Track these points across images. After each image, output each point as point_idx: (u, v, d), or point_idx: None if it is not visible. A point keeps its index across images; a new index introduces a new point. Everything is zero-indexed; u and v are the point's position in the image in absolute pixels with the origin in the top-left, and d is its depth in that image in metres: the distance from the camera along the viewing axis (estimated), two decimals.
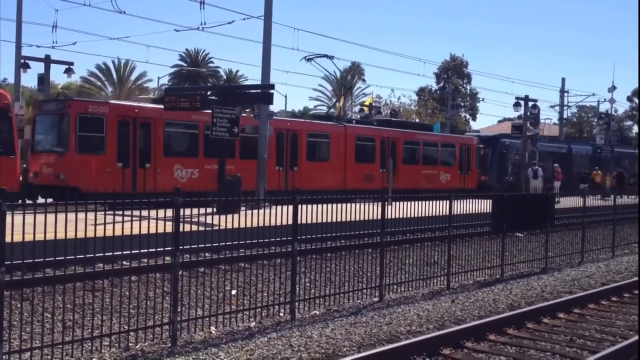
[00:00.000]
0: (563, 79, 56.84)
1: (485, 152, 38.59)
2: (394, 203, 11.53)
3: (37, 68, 30.75)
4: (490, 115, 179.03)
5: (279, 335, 8.17)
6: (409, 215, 11.54)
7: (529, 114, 37.80)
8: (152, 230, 8.59)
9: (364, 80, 69.19)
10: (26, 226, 7.05)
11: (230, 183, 19.40)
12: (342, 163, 29.41)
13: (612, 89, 50.13)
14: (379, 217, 10.69)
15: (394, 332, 8.57)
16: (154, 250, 9.40)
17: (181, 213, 7.79)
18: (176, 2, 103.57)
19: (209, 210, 9.68)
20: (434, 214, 12.12)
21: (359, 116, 39.61)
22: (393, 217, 11.30)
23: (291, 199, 9.22)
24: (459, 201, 12.79)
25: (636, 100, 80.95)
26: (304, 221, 9.47)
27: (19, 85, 30.30)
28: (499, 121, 78.88)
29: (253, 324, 8.70)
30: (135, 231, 9.25)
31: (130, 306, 8.65)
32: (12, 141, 18.93)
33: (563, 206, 17.14)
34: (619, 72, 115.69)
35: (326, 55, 30.21)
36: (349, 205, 10.35)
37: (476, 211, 13.71)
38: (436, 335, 7.94)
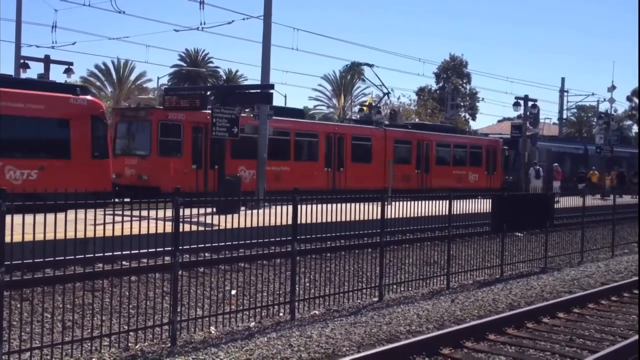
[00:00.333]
0: (563, 79, 57.13)
1: (508, 153, 39.63)
2: (393, 203, 11.53)
3: (37, 68, 30.77)
4: (490, 115, 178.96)
5: (278, 335, 8.17)
6: (408, 215, 11.54)
7: (528, 113, 37.80)
8: (152, 231, 8.60)
9: (363, 80, 69.14)
10: (26, 226, 7.05)
11: (230, 183, 19.42)
12: (381, 164, 30.84)
13: (612, 88, 50.09)
14: (379, 217, 10.70)
15: (394, 331, 8.57)
16: (154, 250, 9.41)
17: (181, 213, 7.79)
18: (176, 2, 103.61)
19: (209, 210, 9.70)
20: (433, 214, 12.13)
21: (358, 116, 39.67)
22: (393, 217, 11.30)
23: (291, 199, 9.23)
24: (458, 201, 12.80)
25: (636, 99, 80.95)
26: (303, 221, 9.47)
27: None
28: (499, 121, 78.89)
29: (253, 324, 8.70)
30: (135, 231, 9.26)
31: (130, 306, 8.65)
32: (105, 146, 20.90)
33: (563, 206, 17.15)
34: (618, 71, 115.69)
35: (367, 64, 32.62)
36: (349, 205, 10.36)
37: (476, 211, 13.71)
38: (436, 335, 7.95)
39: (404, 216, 11.45)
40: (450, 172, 34.82)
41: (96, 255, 7.38)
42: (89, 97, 21.25)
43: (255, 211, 9.59)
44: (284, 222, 9.37)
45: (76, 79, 46.09)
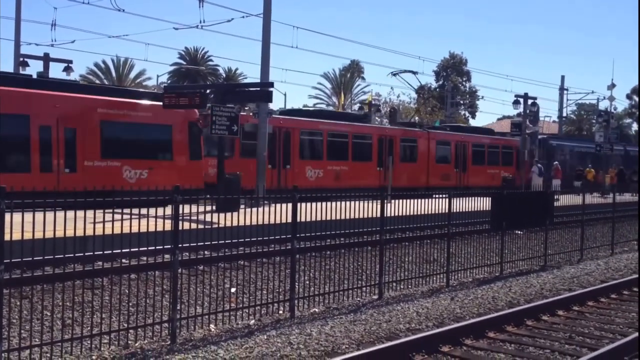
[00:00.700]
0: (562, 77, 57.06)
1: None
2: (393, 201, 11.54)
3: (36, 66, 30.74)
4: (490, 113, 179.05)
5: (278, 332, 8.17)
6: (408, 213, 11.54)
7: (528, 111, 37.78)
8: (152, 229, 8.60)
9: (363, 78, 69.19)
10: (26, 225, 7.05)
11: (230, 181, 19.41)
12: (425, 164, 33.96)
13: (612, 86, 50.07)
14: (379, 215, 10.69)
15: (393, 329, 8.57)
16: (154, 248, 9.42)
17: (180, 211, 7.79)
18: (175, 0, 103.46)
19: (209, 208, 9.71)
20: (433, 212, 12.13)
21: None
22: (392, 215, 11.30)
23: (291, 197, 9.23)
24: (458, 199, 12.81)
25: (635, 97, 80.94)
26: (303, 219, 9.47)
27: None
28: (499, 119, 78.84)
29: (252, 321, 8.71)
30: (135, 229, 9.26)
31: (130, 304, 8.65)
32: (199, 149, 23.45)
33: (562, 204, 17.15)
34: (618, 69, 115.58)
35: (411, 71, 35.06)
36: (348, 203, 10.36)
37: (476, 209, 13.71)
38: (435, 333, 7.95)
39: (404, 214, 11.45)
40: (485, 170, 37.20)
41: (96, 253, 7.38)
42: None
43: (254, 209, 9.59)
44: (283, 220, 9.37)
45: (76, 77, 46.03)
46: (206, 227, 9.02)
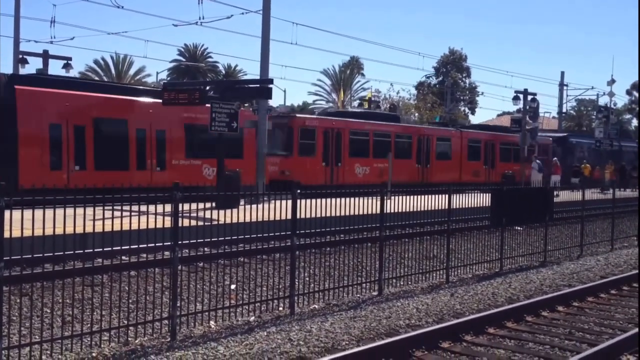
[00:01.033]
0: (562, 73, 57.01)
1: (555, 150, 43.33)
2: (393, 197, 11.54)
3: (36, 63, 30.78)
4: (490, 109, 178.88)
5: (278, 329, 8.18)
6: (408, 210, 11.54)
7: (528, 107, 37.75)
8: (152, 225, 8.60)
9: (363, 74, 69.11)
10: (25, 222, 7.05)
11: (230, 178, 19.39)
12: (458, 161, 36.35)
13: (612, 82, 50.07)
14: (378, 211, 10.69)
15: (393, 325, 8.58)
16: (153, 245, 9.40)
17: (180, 208, 7.79)
18: None
19: (208, 205, 9.72)
20: (433, 208, 12.13)
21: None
22: (392, 211, 11.30)
23: (290, 194, 9.22)
24: (458, 195, 12.81)
25: (635, 93, 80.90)
26: (303, 216, 9.47)
27: None
28: (498, 115, 78.76)
29: (252, 318, 8.71)
30: (135, 226, 9.26)
31: (130, 301, 8.65)
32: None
33: (562, 200, 17.15)
34: (618, 65, 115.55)
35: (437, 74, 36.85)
36: (348, 199, 10.36)
37: (475, 205, 13.71)
38: (435, 329, 7.96)
39: (404, 210, 11.45)
40: (512, 167, 38.41)
41: (96, 250, 7.38)
42: (249, 111, 26.03)
43: (254, 206, 9.59)
44: (283, 217, 9.37)
45: (75, 74, 46.00)
46: (206, 224, 9.02)
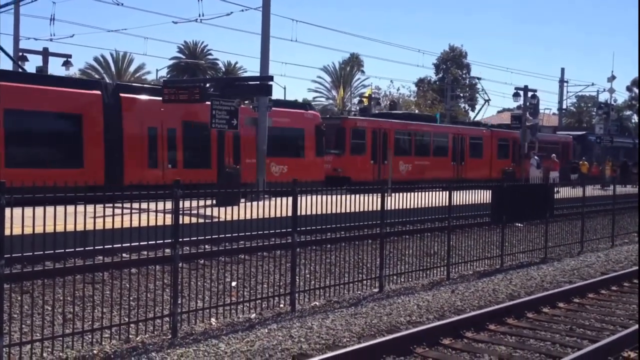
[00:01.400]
0: (562, 69, 56.78)
1: (575, 147, 46.58)
2: (393, 194, 11.54)
3: (35, 61, 30.77)
4: (490, 106, 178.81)
5: (279, 326, 8.18)
6: (408, 206, 11.54)
7: (528, 104, 37.74)
8: (152, 223, 8.59)
9: (363, 71, 69.08)
10: (26, 219, 7.05)
11: (230, 175, 19.38)
12: (489, 159, 38.74)
13: (612, 78, 49.99)
14: (379, 208, 10.69)
15: (394, 322, 8.58)
16: (154, 242, 9.39)
17: (180, 205, 7.78)
18: None
19: (209, 202, 9.70)
20: (433, 205, 12.12)
21: (358, 108, 39.91)
22: (393, 208, 11.30)
23: (290, 191, 9.22)
24: (458, 192, 12.80)
25: (635, 89, 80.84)
26: (303, 213, 9.47)
27: None
28: (499, 112, 78.78)
29: (253, 315, 8.71)
30: (135, 223, 9.25)
31: (131, 298, 8.65)
32: (322, 147, 28.59)
33: (562, 196, 17.14)
34: (618, 62, 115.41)
35: (477, 77, 41.07)
36: (349, 196, 10.36)
37: (476, 202, 13.71)
38: (436, 326, 7.96)
39: (404, 207, 11.45)
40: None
41: (96, 247, 7.38)
42: (313, 112, 29.56)
43: (255, 203, 9.59)
44: (284, 214, 9.36)
45: (75, 72, 46.01)
46: (206, 221, 9.02)
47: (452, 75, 67.49)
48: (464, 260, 12.64)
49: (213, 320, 8.31)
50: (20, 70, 25.48)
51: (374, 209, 10.78)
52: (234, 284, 9.60)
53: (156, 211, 8.11)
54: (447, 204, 12.21)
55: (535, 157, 34.23)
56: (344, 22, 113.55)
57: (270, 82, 21.10)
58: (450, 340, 7.72)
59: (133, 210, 9.13)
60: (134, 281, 9.00)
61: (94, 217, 7.33)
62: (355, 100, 63.18)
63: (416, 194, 11.62)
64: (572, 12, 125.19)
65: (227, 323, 8.33)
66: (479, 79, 52.43)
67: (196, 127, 23.50)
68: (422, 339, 7.50)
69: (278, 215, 9.36)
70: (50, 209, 6.85)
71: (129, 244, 9.79)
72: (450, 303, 9.82)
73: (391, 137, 32.87)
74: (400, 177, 30.62)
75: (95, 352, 7.03)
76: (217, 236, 8.81)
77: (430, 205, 12.04)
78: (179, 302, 7.86)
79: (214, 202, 12.01)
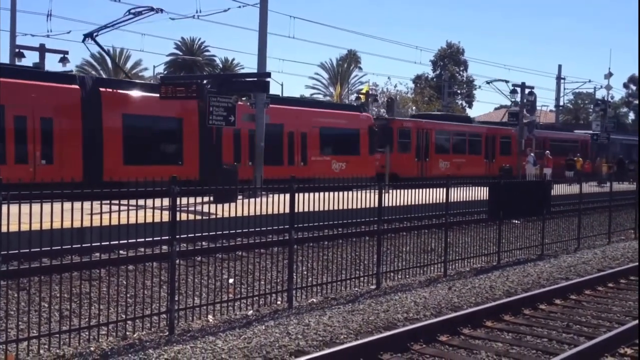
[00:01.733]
0: (559, 66, 56.38)
1: (592, 145, 47.62)
2: (391, 191, 11.54)
3: (32, 57, 30.68)
4: (487, 103, 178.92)
5: (276, 323, 8.18)
6: (405, 203, 11.54)
7: (525, 100, 37.75)
8: (150, 220, 8.58)
9: (360, 68, 69.01)
10: (23, 216, 7.04)
11: (227, 172, 19.37)
12: (517, 157, 38.66)
13: (609, 75, 50.03)
14: (376, 205, 10.69)
15: (391, 319, 8.59)
16: (152, 239, 9.40)
17: (178, 202, 7.77)
18: None
19: (206, 199, 9.70)
20: (430, 202, 12.13)
21: (355, 104, 39.93)
22: (390, 205, 11.30)
23: (288, 188, 9.22)
24: (455, 188, 12.81)
25: (632, 86, 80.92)
26: (301, 210, 9.47)
27: None
28: (496, 109, 78.71)
29: (251, 312, 8.71)
30: (133, 220, 9.24)
31: (128, 295, 8.64)
32: (374, 146, 30.79)
33: (559, 193, 17.16)
34: (615, 58, 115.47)
35: (503, 80, 41.14)
36: (346, 193, 10.37)
37: (473, 198, 13.71)
38: (433, 322, 7.96)
39: (402, 204, 11.45)
40: (559, 162, 40.96)
41: (93, 244, 7.37)
42: (366, 114, 32.25)
43: (252, 200, 9.58)
44: (281, 211, 9.36)
45: (72, 68, 45.83)
46: (204, 218, 9.01)
47: (450, 72, 67.48)
48: (461, 257, 12.65)
49: (210, 317, 8.31)
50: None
51: (372, 205, 10.78)
52: (231, 280, 9.60)
53: (153, 208, 8.11)
54: (444, 201, 12.21)
55: (531, 154, 34.46)
56: (341, 18, 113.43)
57: (268, 79, 21.08)
58: (447, 337, 7.73)
59: (130, 207, 9.12)
60: (131, 278, 9.00)
61: (91, 214, 7.32)
62: (353, 97, 63.15)
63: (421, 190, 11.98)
64: (569, 8, 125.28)
65: (224, 320, 8.33)
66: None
67: (269, 128, 24.26)
68: (419, 335, 7.51)
69: (276, 212, 9.36)
70: (47, 206, 6.84)
71: (126, 241, 9.78)
72: (447, 300, 9.83)
73: (432, 136, 35.54)
74: (441, 173, 32.48)
75: (92, 349, 7.03)
76: (214, 233, 8.81)
77: (427, 202, 12.04)
78: (176, 298, 7.86)
79: (212, 199, 12.01)
